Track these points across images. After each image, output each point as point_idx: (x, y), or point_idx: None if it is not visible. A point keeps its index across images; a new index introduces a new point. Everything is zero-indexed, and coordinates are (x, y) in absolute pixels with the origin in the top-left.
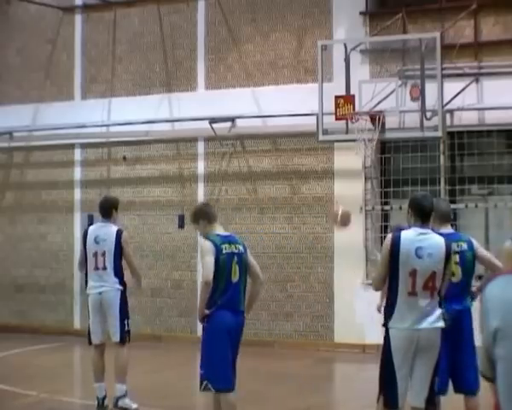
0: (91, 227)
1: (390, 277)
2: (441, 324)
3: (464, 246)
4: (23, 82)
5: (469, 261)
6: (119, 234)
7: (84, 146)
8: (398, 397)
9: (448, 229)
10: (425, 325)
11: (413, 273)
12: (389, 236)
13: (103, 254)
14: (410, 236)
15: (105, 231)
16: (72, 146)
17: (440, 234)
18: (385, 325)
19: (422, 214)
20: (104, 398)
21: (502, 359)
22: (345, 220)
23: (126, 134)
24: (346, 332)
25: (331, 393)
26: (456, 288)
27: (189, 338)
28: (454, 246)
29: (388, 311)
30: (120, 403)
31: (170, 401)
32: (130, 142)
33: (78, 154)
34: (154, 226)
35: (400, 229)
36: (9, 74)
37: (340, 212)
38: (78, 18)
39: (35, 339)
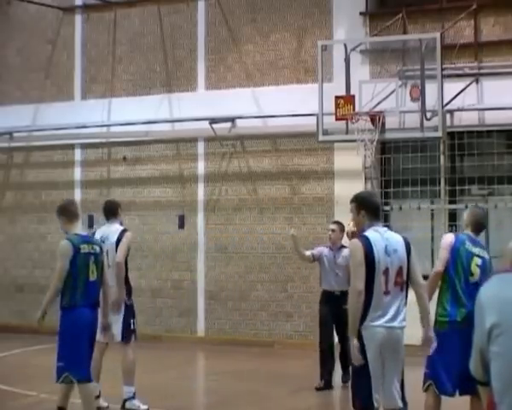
0: (100, 228)
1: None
2: (405, 323)
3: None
4: (23, 82)
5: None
6: (121, 233)
7: (84, 146)
8: (373, 398)
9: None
10: (396, 323)
11: (386, 272)
12: (356, 242)
13: (107, 253)
14: (377, 236)
15: (109, 231)
16: (72, 146)
17: None
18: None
19: (377, 211)
20: (96, 398)
21: (498, 356)
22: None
23: (126, 134)
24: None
25: (331, 393)
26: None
27: (189, 338)
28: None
29: (363, 312)
30: (128, 405)
31: (170, 402)
32: (130, 142)
33: (78, 154)
34: (154, 226)
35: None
36: (9, 74)
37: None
38: (78, 18)
39: (35, 339)
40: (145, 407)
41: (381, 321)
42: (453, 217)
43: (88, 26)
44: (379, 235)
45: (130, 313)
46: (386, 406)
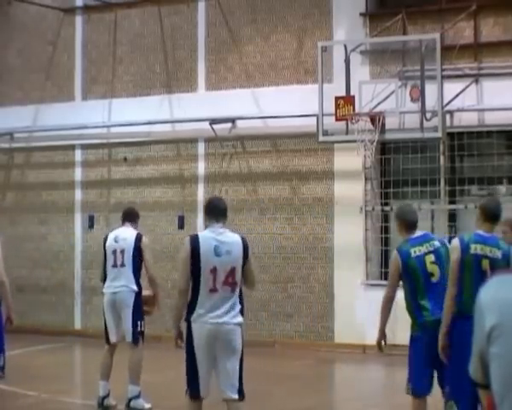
0: (113, 231)
1: (192, 276)
2: (240, 319)
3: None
4: (24, 83)
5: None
6: (138, 237)
7: (84, 147)
8: (200, 389)
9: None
10: (226, 319)
11: (213, 271)
12: (186, 239)
13: (122, 252)
14: (208, 235)
15: (125, 232)
16: (72, 147)
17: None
18: (187, 320)
19: (216, 214)
20: (105, 397)
21: (498, 357)
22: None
23: (127, 135)
24: (347, 333)
25: (331, 393)
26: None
27: None
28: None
29: (191, 307)
30: (132, 404)
31: (170, 402)
32: (130, 143)
33: (78, 155)
34: (155, 227)
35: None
36: (10, 75)
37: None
38: (78, 19)
39: (36, 339)
40: (148, 405)
41: (210, 317)
42: (453, 217)
43: (88, 27)
44: (211, 234)
45: (139, 314)
46: (223, 396)
